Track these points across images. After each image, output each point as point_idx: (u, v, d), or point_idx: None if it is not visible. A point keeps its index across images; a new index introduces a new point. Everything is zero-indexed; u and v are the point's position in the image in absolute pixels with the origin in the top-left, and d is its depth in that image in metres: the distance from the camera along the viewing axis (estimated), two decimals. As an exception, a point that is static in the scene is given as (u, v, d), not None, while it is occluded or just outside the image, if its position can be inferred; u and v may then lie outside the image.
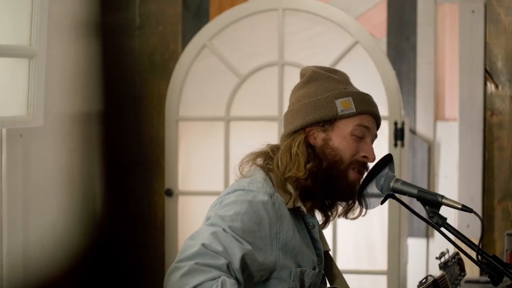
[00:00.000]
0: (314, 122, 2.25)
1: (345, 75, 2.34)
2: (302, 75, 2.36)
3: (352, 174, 2.25)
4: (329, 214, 2.32)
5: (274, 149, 2.31)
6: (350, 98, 2.25)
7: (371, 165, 2.27)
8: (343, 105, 2.24)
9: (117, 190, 4.65)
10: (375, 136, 2.30)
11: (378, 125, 2.32)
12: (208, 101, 4.59)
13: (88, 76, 4.37)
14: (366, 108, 2.26)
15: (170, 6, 4.69)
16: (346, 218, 2.33)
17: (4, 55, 3.32)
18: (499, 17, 4.45)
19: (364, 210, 2.30)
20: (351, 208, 2.31)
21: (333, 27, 4.42)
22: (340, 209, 2.31)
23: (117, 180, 4.64)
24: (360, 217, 2.34)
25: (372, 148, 2.27)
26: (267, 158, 2.30)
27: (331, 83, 2.29)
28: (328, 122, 2.25)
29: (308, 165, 2.22)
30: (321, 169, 2.23)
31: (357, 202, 2.29)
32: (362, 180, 2.26)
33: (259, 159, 2.30)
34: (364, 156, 2.25)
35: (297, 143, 2.25)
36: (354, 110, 2.24)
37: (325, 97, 2.25)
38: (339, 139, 2.24)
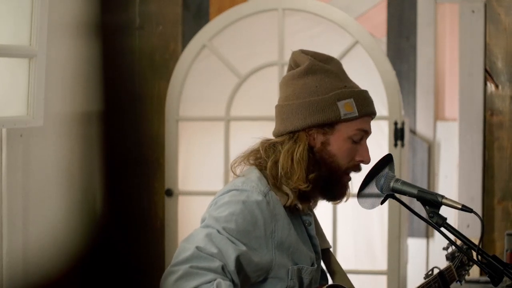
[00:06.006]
0: (316, 125, 2.22)
1: (339, 64, 2.32)
2: (295, 62, 2.30)
3: (345, 178, 2.26)
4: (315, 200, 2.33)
5: (266, 146, 2.27)
6: (352, 100, 2.23)
7: (367, 166, 2.27)
8: (346, 108, 2.22)
9: (117, 190, 4.64)
10: (370, 133, 2.30)
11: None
12: (208, 101, 4.59)
13: (88, 76, 4.36)
14: (367, 110, 2.25)
15: (170, 6, 4.69)
16: (328, 201, 2.33)
17: (4, 55, 3.31)
18: (499, 17, 4.45)
19: (345, 197, 2.29)
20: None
21: (333, 27, 4.42)
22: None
23: (117, 180, 4.64)
24: (360, 217, 2.35)
25: (368, 150, 2.27)
26: (259, 156, 2.27)
27: (330, 78, 2.26)
28: (329, 125, 2.23)
29: (311, 176, 2.20)
30: (321, 176, 2.22)
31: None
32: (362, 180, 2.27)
33: (251, 158, 2.28)
34: (359, 160, 2.26)
35: (300, 148, 2.22)
36: (357, 114, 2.23)
37: (327, 97, 2.22)
38: (338, 143, 2.23)
